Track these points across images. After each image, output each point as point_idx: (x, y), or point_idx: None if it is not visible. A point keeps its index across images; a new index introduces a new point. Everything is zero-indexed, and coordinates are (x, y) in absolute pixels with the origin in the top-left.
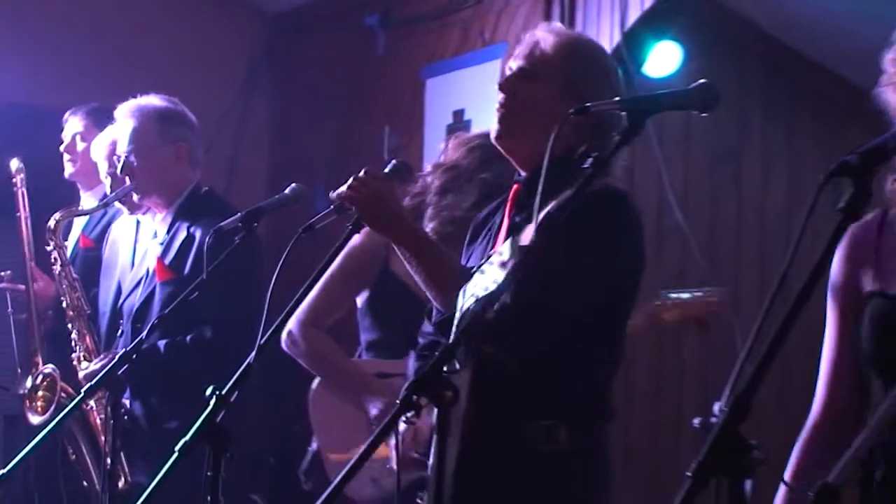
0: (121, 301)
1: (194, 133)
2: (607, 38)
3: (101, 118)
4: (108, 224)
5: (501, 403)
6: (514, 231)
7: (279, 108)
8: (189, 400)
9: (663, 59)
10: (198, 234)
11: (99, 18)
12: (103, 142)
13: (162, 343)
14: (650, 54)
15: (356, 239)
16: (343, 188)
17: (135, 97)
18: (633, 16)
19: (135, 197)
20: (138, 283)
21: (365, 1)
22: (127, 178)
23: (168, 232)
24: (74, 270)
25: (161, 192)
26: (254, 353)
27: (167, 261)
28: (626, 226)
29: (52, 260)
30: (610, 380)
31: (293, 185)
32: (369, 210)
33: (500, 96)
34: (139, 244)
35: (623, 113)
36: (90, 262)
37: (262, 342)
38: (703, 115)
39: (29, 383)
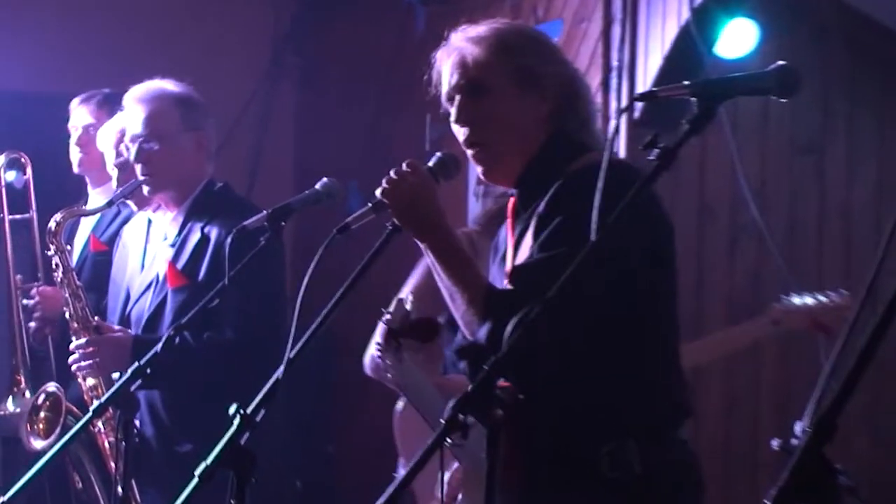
0: (129, 308)
1: (210, 123)
2: (674, 15)
3: (114, 106)
4: (122, 224)
5: (548, 436)
6: (518, 244)
7: (307, 95)
8: (206, 416)
9: (737, 39)
10: (213, 235)
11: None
12: (112, 129)
13: (178, 337)
14: (722, 33)
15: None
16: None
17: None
18: None
19: (145, 190)
20: (147, 288)
21: None
22: (138, 168)
23: (179, 233)
24: (82, 276)
25: (175, 185)
26: (282, 368)
27: (179, 265)
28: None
29: (54, 266)
30: (669, 372)
31: (324, 179)
32: (404, 209)
33: (463, 132)
34: (150, 245)
35: (692, 98)
36: (101, 267)
37: (291, 355)
38: (782, 100)
39: (13, 405)
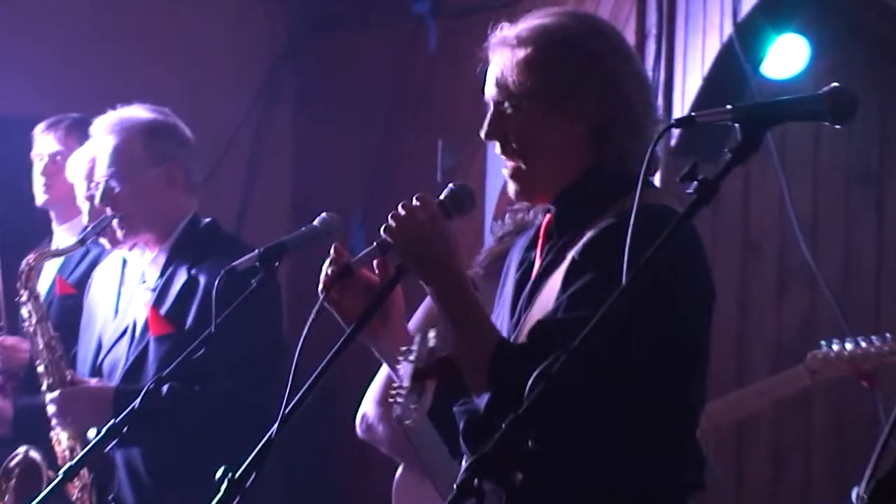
0: (100, 359)
1: (189, 151)
2: (716, 30)
3: (85, 132)
4: (93, 265)
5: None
6: (545, 274)
7: (305, 118)
8: (192, 478)
9: (786, 57)
10: (202, 278)
11: (81, 12)
12: (84, 157)
13: (165, 387)
14: (770, 50)
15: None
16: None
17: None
18: (749, 3)
19: (119, 233)
20: (122, 335)
21: None
22: (108, 209)
23: (162, 275)
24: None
25: (151, 225)
26: (275, 426)
27: (163, 311)
28: (687, 251)
29: (25, 314)
30: (685, 443)
31: (323, 215)
32: (409, 249)
33: (497, 146)
34: (125, 287)
35: (736, 124)
36: (69, 312)
37: (285, 412)
38: (837, 126)
39: None
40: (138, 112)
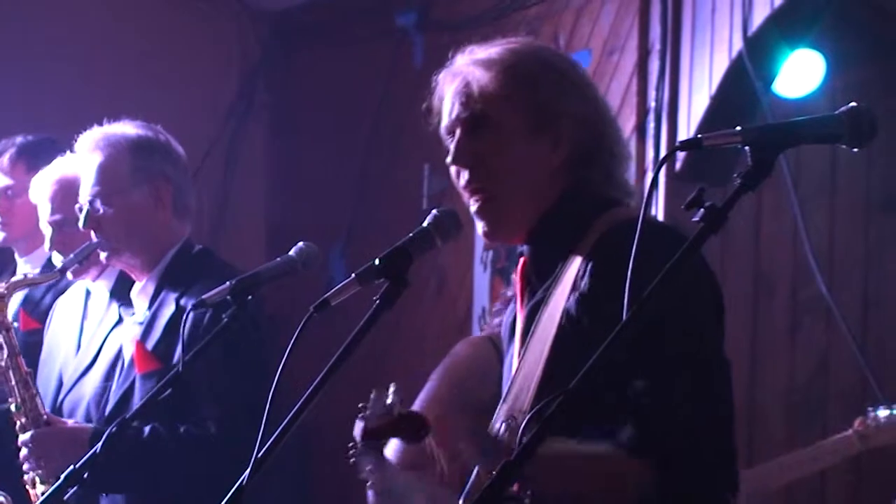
0: (61, 397)
1: (180, 171)
2: (725, 45)
3: (34, 158)
4: (57, 297)
5: None
6: (531, 317)
7: (280, 139)
8: None
9: (800, 74)
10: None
11: (49, 28)
12: (47, 178)
13: (147, 429)
14: (783, 67)
15: (460, 348)
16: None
17: (97, 125)
18: (760, 16)
19: (102, 256)
20: (84, 372)
21: None
22: (92, 234)
23: (151, 306)
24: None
25: (138, 250)
26: (247, 472)
27: (150, 345)
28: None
29: None
30: None
31: (300, 244)
32: None
33: (463, 175)
34: (88, 322)
35: (746, 147)
36: (33, 348)
37: (259, 456)
38: (855, 150)
39: None
40: (125, 128)
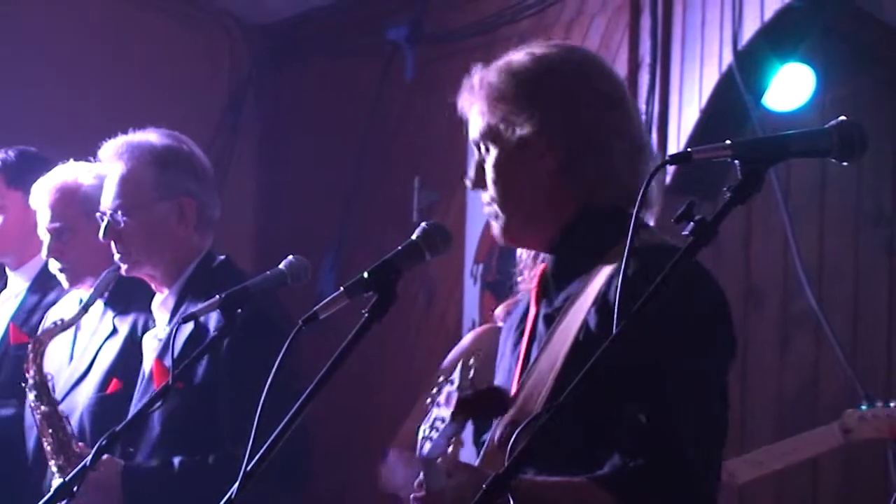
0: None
1: (205, 184)
2: (715, 59)
3: (18, 173)
4: (48, 309)
5: None
6: (546, 326)
7: (270, 153)
8: None
9: (790, 88)
10: (212, 325)
11: (37, 41)
12: (48, 184)
13: (176, 461)
14: (772, 81)
15: (466, 342)
16: None
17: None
18: (750, 29)
19: (123, 269)
20: (77, 384)
21: (388, 8)
22: (113, 244)
23: (171, 320)
24: (0, 375)
25: (158, 263)
26: (236, 486)
27: (169, 362)
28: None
29: (32, 399)
30: None
31: (289, 258)
32: None
33: (485, 185)
34: (81, 331)
35: (736, 161)
36: (22, 364)
37: (248, 468)
38: (845, 164)
39: None
40: (150, 137)
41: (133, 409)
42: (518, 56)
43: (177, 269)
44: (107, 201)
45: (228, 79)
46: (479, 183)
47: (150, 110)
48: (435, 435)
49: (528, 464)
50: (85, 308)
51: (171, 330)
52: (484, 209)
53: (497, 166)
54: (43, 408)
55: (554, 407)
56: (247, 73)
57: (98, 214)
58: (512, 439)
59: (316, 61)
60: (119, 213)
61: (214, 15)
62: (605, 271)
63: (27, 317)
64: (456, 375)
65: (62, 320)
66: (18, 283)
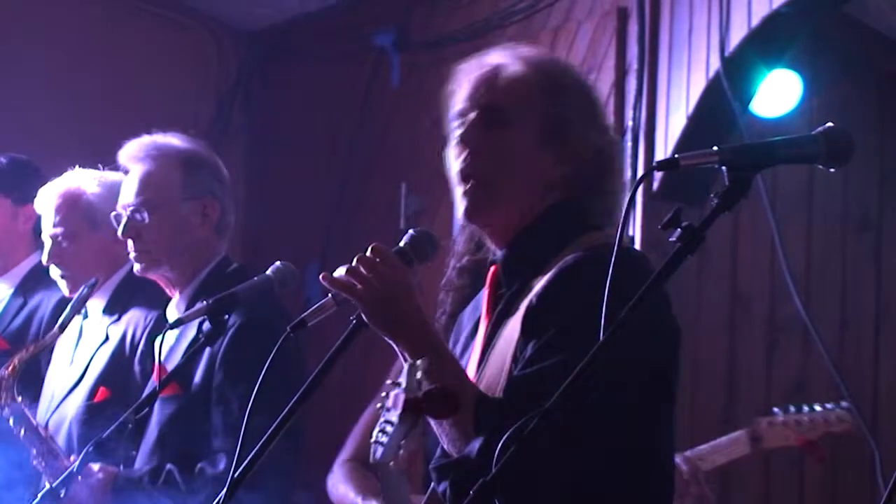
0: (47, 415)
1: (226, 189)
2: (702, 65)
3: (7, 180)
4: (30, 318)
5: None
6: (496, 326)
7: (257, 159)
8: None
9: (777, 94)
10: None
11: (23, 50)
12: (55, 189)
13: (168, 468)
14: (760, 87)
15: None
16: (340, 272)
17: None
18: (737, 36)
19: (136, 268)
20: (69, 392)
21: (374, 15)
22: (130, 242)
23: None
24: None
25: (176, 265)
26: (223, 493)
27: (171, 368)
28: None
29: (13, 425)
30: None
31: (276, 264)
32: (376, 307)
33: (462, 158)
34: (83, 338)
35: (723, 167)
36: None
37: (235, 476)
38: (832, 170)
39: None
40: (173, 140)
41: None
42: (546, 58)
43: (192, 272)
44: (128, 198)
45: (216, 85)
46: (468, 142)
47: (137, 116)
48: (385, 439)
49: (514, 470)
50: (62, 327)
51: (161, 336)
52: (459, 185)
53: (507, 151)
54: (24, 431)
55: (539, 413)
56: (234, 80)
57: (114, 214)
58: (499, 447)
59: (303, 68)
60: (143, 209)
61: (202, 21)
62: (557, 266)
63: (9, 323)
64: (403, 378)
65: (45, 339)
66: (2, 290)
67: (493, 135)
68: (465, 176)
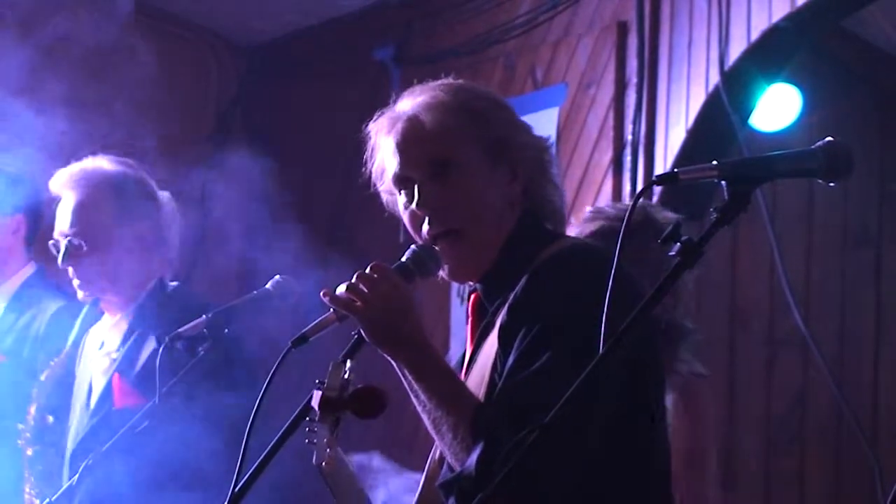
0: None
1: (159, 207)
2: (701, 79)
3: None
4: (24, 332)
5: None
6: (478, 346)
7: (257, 173)
8: None
9: (777, 108)
10: (177, 346)
11: (21, 55)
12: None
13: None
14: (759, 101)
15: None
16: (341, 289)
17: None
18: (737, 50)
19: (80, 295)
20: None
21: (374, 29)
22: (70, 269)
23: (124, 341)
24: None
25: (115, 290)
26: None
27: (130, 380)
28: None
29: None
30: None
31: (276, 277)
32: (376, 326)
33: (427, 221)
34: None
35: (722, 182)
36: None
37: (237, 489)
38: (832, 184)
39: None
40: (103, 163)
41: (84, 429)
42: (461, 87)
43: (133, 294)
44: (63, 226)
45: (216, 98)
46: (430, 205)
47: (137, 130)
48: (315, 441)
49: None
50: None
51: (160, 350)
52: (436, 244)
53: (468, 191)
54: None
55: (538, 427)
56: (234, 93)
57: (51, 243)
58: (499, 461)
59: (303, 82)
60: (78, 238)
61: (202, 35)
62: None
63: (2, 337)
64: (327, 377)
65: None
66: None
67: (449, 183)
68: (436, 235)
